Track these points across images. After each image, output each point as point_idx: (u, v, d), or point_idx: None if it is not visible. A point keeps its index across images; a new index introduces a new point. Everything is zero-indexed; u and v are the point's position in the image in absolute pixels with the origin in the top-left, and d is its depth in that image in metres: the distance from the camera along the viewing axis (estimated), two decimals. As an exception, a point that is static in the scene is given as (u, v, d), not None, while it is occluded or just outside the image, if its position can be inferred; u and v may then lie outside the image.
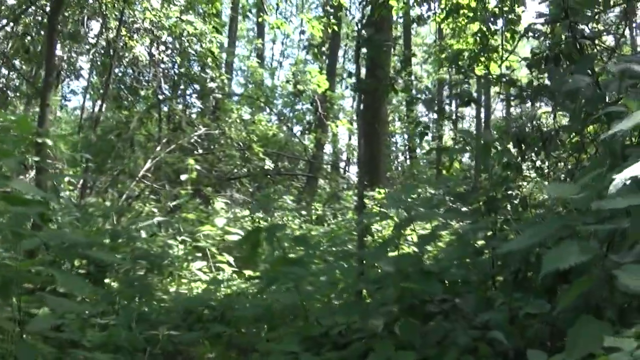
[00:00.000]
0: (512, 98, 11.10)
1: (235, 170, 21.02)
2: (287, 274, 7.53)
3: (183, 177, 16.24)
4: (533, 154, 9.67)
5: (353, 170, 30.64)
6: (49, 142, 12.74)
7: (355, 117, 26.46)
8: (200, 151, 20.12)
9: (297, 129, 26.34)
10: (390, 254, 7.53)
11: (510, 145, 9.47)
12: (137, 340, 7.94)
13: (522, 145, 9.19)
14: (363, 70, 12.68)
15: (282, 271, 7.57)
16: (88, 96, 26.44)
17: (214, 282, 11.21)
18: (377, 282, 7.22)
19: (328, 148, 28.90)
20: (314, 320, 7.97)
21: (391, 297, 6.66)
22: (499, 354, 6.28)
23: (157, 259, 11.65)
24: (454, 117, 11.83)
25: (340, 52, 29.79)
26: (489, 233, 7.88)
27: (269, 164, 21.63)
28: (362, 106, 11.04)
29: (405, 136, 38.19)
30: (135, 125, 18.82)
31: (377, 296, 6.84)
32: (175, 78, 22.70)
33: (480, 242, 7.90)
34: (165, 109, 22.56)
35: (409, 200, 7.74)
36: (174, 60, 22.12)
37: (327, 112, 22.95)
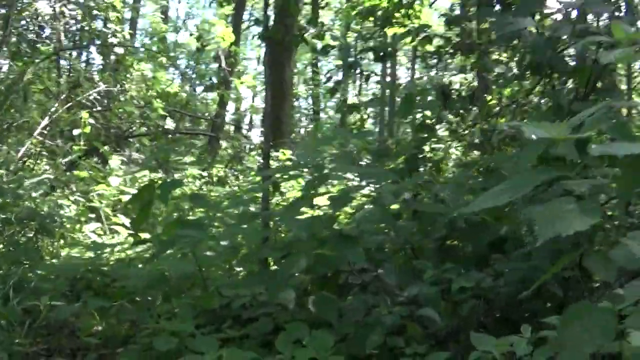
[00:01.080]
0: (430, 55, 10.14)
1: (134, 129, 19.72)
2: (183, 238, 6.28)
3: (76, 131, 14.90)
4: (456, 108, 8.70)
5: (256, 133, 29.71)
6: None
7: (260, 75, 25.59)
8: (99, 108, 18.78)
9: (200, 89, 25.08)
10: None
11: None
12: (13, 311, 6.77)
13: (447, 98, 8.18)
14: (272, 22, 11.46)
15: (178, 234, 6.32)
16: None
17: (98, 246, 9.87)
18: (285, 248, 6.04)
19: (231, 108, 27.89)
20: (213, 290, 6.84)
21: (301, 266, 5.49)
22: (431, 335, 5.36)
23: (46, 220, 10.35)
24: (365, 73, 10.81)
25: (249, 3, 28.26)
26: (408, 195, 6.84)
27: (169, 123, 20.52)
28: (268, 60, 9.87)
29: (310, 100, 37.15)
30: (30, 78, 17.43)
31: (285, 265, 5.65)
32: (77, 33, 21.35)
33: (396, 206, 6.99)
34: (65, 64, 21.34)
35: (322, 156, 6.59)
36: (75, 14, 20.69)
37: (232, 68, 21.80)
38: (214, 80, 23.68)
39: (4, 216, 10.09)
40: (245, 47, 29.36)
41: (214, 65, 23.12)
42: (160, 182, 7.00)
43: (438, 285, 5.58)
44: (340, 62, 11.61)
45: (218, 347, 5.02)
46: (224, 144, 23.64)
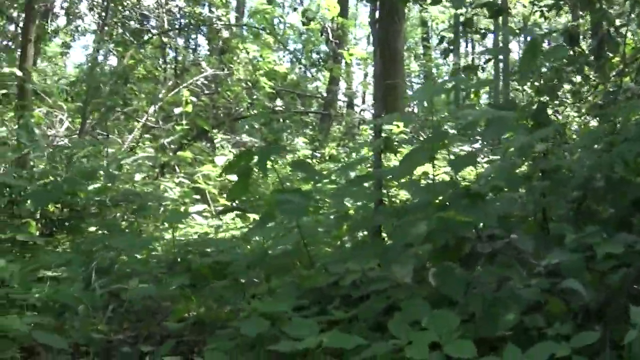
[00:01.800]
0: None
1: (242, 110, 18.98)
2: (285, 207, 5.34)
3: (177, 110, 14.16)
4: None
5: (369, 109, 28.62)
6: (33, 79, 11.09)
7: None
8: (207, 92, 18.19)
9: (308, 66, 24.16)
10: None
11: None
12: (93, 296, 6.09)
13: (575, 43, 7.11)
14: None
15: (279, 203, 5.38)
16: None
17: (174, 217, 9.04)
18: (400, 213, 5.01)
19: (342, 85, 26.94)
20: (320, 267, 5.96)
21: (419, 233, 4.47)
22: (576, 311, 4.26)
23: (145, 201, 9.63)
24: (481, 30, 9.80)
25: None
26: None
27: (279, 105, 19.75)
28: (377, 26, 8.93)
29: (422, 77, 36.01)
30: (132, 63, 16.91)
31: (400, 233, 4.63)
32: (181, 19, 20.82)
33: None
34: (171, 52, 20.92)
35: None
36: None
37: (340, 41, 20.88)
38: (321, 53, 22.82)
39: (98, 199, 9.43)
40: (353, 23, 28.26)
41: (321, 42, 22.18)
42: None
43: (579, 252, 4.53)
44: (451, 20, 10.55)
45: (319, 331, 4.07)
46: (335, 121, 22.84)
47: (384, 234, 6.16)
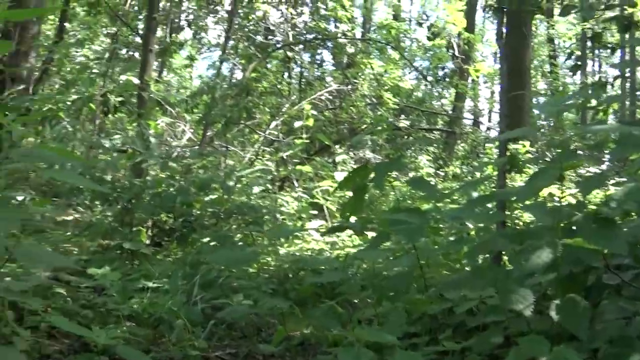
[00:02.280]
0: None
1: (365, 126, 18.67)
2: (401, 229, 4.96)
3: (297, 124, 13.91)
4: None
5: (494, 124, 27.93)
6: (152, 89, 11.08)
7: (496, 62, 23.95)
8: (330, 107, 18.00)
9: (434, 82, 23.70)
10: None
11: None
12: (193, 310, 5.89)
13: None
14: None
15: (394, 224, 5.01)
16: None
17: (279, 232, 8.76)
18: (524, 238, 4.55)
19: (468, 103, 26.34)
20: (434, 291, 5.56)
21: (544, 260, 4.03)
22: None
23: (260, 214, 9.40)
24: (609, 45, 9.21)
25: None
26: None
27: (404, 121, 19.38)
28: (504, 40, 8.54)
29: (549, 94, 34.98)
30: (255, 75, 16.82)
31: (521, 261, 4.19)
32: (306, 34, 20.67)
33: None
34: (296, 67, 20.78)
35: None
36: (303, 17, 20.06)
37: (466, 56, 20.44)
38: (447, 68, 22.39)
39: (212, 210, 9.25)
40: (480, 39, 27.58)
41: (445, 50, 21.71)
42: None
43: None
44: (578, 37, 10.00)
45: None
46: (460, 139, 22.36)
47: (504, 258, 5.75)
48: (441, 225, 6.83)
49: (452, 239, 6.72)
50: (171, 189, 8.83)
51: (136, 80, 12.29)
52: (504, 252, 5.66)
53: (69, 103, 12.36)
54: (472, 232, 6.24)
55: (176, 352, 5.24)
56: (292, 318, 6.07)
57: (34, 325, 5.13)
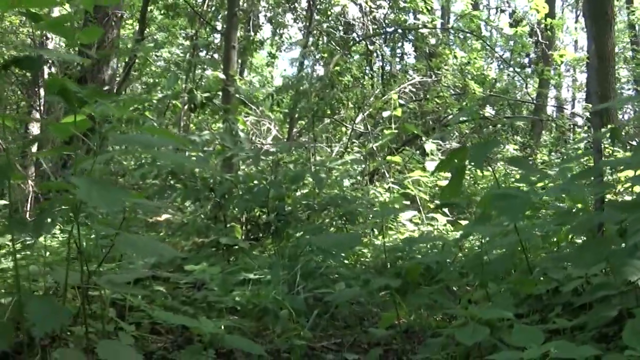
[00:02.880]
0: None
1: (450, 116, 18.49)
2: (503, 206, 4.83)
3: (385, 113, 13.83)
4: None
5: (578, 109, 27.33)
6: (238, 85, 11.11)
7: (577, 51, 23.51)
8: (414, 99, 17.88)
9: (517, 69, 23.30)
10: None
11: None
12: (296, 300, 5.83)
13: None
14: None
15: (497, 201, 4.90)
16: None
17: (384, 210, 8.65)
18: (633, 209, 4.41)
19: (552, 92, 25.89)
20: (538, 272, 5.49)
21: None
22: None
23: (353, 205, 9.34)
24: None
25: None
26: None
27: (489, 110, 19.17)
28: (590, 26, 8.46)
29: (631, 81, 34.06)
30: (338, 68, 16.75)
31: (634, 230, 4.04)
32: (386, 27, 20.53)
33: None
34: (378, 62, 20.68)
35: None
36: (382, 8, 19.90)
37: (549, 42, 20.09)
38: (531, 56, 22.06)
39: (305, 202, 9.25)
40: (562, 24, 26.94)
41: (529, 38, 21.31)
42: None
43: None
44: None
45: (544, 339, 3.59)
46: (546, 127, 22.03)
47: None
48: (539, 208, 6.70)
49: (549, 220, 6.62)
50: (263, 183, 8.81)
51: (222, 76, 12.31)
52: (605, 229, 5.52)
53: (155, 101, 12.49)
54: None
55: (282, 343, 5.24)
56: (394, 305, 6.00)
57: (137, 322, 5.17)
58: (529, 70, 22.81)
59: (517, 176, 8.20)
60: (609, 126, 6.34)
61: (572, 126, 20.77)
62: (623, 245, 4.38)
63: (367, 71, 20.49)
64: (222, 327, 4.65)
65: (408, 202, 11.40)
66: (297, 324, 5.56)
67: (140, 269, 6.17)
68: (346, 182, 11.22)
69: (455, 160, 5.53)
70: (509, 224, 5.28)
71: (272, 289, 5.89)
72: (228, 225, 8.92)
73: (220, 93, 12.67)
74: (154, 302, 5.66)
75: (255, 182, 8.95)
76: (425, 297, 5.78)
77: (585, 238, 5.82)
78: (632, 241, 4.03)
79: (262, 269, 6.69)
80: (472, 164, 5.56)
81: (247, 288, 6.18)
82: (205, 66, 17.82)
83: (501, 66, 24.15)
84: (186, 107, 11.89)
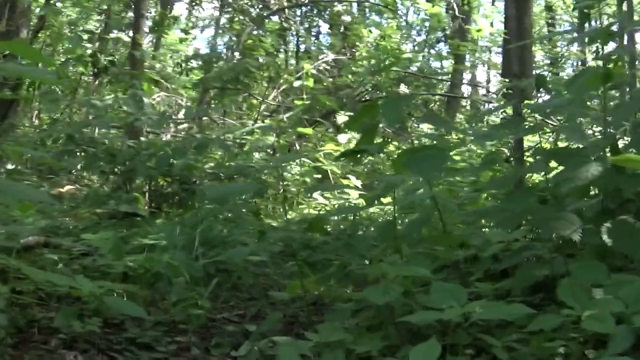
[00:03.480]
0: None
1: (364, 91, 18.09)
2: (418, 164, 4.33)
3: (296, 83, 13.32)
4: None
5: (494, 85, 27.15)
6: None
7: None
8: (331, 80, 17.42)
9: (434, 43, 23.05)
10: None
11: None
12: (194, 266, 5.34)
13: None
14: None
15: (411, 159, 4.39)
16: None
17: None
18: (562, 157, 3.96)
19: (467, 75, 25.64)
20: (456, 238, 5.05)
21: (592, 174, 3.44)
22: None
23: (261, 175, 8.88)
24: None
25: None
26: None
27: (403, 89, 18.77)
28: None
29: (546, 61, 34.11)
30: (251, 43, 16.24)
31: (565, 177, 3.59)
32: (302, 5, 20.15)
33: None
34: (293, 38, 20.36)
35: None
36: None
37: (466, 16, 19.81)
38: (447, 31, 21.73)
39: (211, 172, 8.80)
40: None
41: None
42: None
43: None
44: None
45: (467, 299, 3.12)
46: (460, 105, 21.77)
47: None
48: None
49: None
50: (167, 149, 8.26)
51: (126, 38, 11.79)
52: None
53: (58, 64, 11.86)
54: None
55: (178, 313, 4.77)
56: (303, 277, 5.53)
57: (23, 290, 4.64)
58: (444, 46, 22.51)
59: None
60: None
61: (486, 104, 20.55)
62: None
63: (281, 49, 20.10)
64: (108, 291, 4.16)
65: (319, 176, 11.03)
66: (194, 292, 5.03)
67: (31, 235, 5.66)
68: (257, 155, 10.75)
69: (365, 118, 5.04)
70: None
71: (167, 254, 5.34)
72: (132, 195, 8.41)
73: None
74: (43, 269, 5.10)
75: (161, 152, 8.44)
76: (331, 253, 5.40)
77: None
78: (564, 190, 3.59)
79: (160, 235, 6.15)
80: (385, 121, 5.04)
81: (143, 254, 5.63)
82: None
83: (416, 47, 23.89)
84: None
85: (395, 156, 5.37)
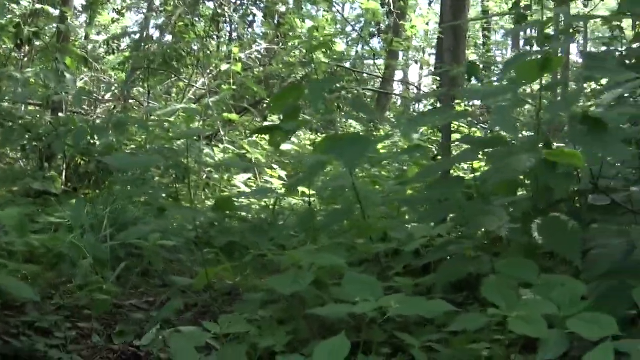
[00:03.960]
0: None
1: (294, 77, 17.85)
2: (341, 152, 4.06)
3: (224, 67, 12.97)
4: None
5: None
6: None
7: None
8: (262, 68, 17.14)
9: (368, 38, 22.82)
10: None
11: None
12: (98, 248, 4.95)
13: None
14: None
15: (332, 146, 4.12)
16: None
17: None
18: (491, 144, 3.69)
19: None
20: (376, 229, 4.82)
21: (524, 166, 3.17)
22: None
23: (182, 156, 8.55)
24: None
25: None
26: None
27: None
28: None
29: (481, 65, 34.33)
30: (180, 27, 15.85)
31: (496, 169, 3.32)
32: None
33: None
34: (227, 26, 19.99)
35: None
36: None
37: (402, 12, 19.64)
38: (382, 26, 21.56)
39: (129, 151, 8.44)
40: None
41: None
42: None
43: None
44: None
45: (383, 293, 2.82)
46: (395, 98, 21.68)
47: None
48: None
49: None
50: (85, 126, 7.87)
51: (53, 10, 11.31)
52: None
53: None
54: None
55: (82, 298, 4.45)
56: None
57: None
58: (377, 41, 22.34)
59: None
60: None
61: (417, 103, 20.45)
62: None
63: (214, 35, 19.77)
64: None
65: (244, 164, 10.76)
66: (99, 275, 4.69)
67: None
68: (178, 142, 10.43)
69: (290, 99, 4.76)
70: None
71: (72, 234, 4.99)
72: (49, 174, 8.03)
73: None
74: None
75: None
76: (238, 235, 5.34)
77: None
78: (491, 182, 3.33)
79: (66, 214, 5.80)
80: (310, 102, 4.75)
81: (49, 233, 5.30)
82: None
83: (349, 42, 23.73)
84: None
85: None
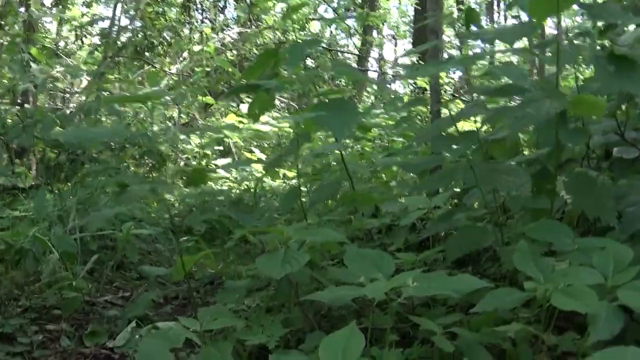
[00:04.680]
0: None
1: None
2: (328, 120, 3.58)
3: (196, 48, 12.56)
4: None
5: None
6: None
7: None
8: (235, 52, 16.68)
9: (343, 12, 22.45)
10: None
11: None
12: (65, 241, 4.42)
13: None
14: None
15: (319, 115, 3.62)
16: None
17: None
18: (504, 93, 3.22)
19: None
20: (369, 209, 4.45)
21: (547, 112, 2.68)
22: None
23: (155, 142, 8.11)
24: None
25: None
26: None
27: (309, 62, 18.24)
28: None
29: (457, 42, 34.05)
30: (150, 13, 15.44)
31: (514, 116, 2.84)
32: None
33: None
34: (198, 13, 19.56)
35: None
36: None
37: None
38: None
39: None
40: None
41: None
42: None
43: None
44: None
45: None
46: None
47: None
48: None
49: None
50: (52, 116, 7.40)
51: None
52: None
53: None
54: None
55: (51, 296, 4.03)
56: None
57: None
58: (353, 22, 21.99)
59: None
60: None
61: (395, 79, 20.10)
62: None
63: (185, 22, 19.44)
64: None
65: (221, 148, 10.39)
66: (67, 270, 4.22)
67: None
68: (155, 128, 10.02)
69: (266, 67, 4.28)
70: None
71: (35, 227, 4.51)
72: (19, 170, 7.62)
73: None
74: None
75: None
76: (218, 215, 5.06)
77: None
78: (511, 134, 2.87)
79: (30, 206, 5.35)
80: (288, 65, 4.25)
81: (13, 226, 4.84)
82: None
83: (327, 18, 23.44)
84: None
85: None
